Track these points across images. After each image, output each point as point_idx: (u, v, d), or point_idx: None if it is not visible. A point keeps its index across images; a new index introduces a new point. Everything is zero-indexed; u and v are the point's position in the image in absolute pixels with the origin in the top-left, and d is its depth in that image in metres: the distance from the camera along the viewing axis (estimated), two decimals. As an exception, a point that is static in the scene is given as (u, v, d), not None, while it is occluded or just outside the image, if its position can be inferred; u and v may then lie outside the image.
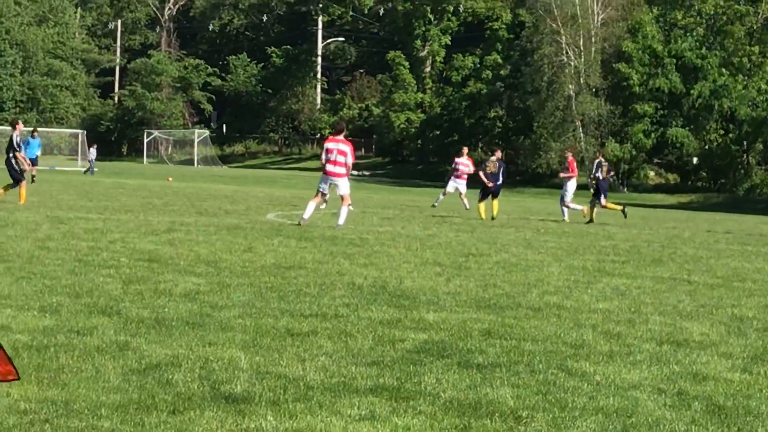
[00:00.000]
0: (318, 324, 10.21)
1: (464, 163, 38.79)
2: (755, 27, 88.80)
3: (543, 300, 12.85)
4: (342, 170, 25.13)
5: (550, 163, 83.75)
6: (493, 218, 32.42)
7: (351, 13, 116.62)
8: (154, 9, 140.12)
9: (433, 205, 39.65)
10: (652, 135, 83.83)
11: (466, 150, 40.51)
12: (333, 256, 17.13)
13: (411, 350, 9.15)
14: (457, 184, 38.64)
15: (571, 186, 34.99)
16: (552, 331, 10.46)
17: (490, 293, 13.27)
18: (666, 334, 10.61)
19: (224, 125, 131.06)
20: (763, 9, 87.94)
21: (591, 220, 34.11)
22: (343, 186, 25.27)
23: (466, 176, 38.42)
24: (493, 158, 34.10)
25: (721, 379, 8.58)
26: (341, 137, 25.49)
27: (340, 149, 25.09)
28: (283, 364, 8.32)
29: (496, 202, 33.22)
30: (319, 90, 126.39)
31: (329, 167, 25.12)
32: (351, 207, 26.28)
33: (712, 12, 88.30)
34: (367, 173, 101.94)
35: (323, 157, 25.43)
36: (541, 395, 7.65)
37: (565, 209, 34.92)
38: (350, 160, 25.25)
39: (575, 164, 36.30)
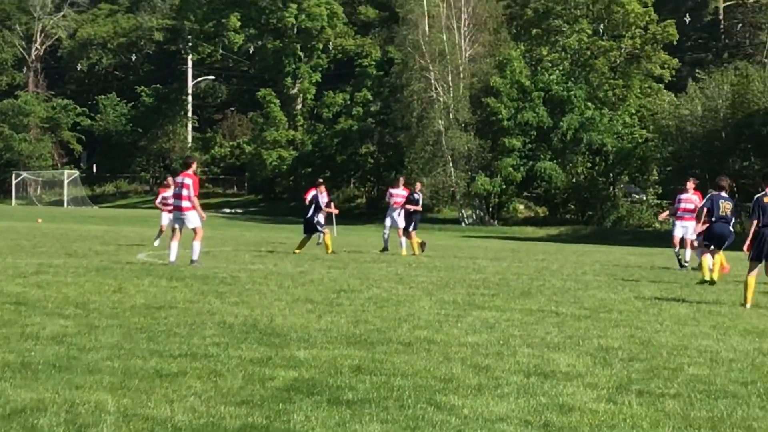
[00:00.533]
0: (187, 364, 10.15)
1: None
2: (618, 61, 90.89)
3: (413, 334, 12.93)
4: (186, 204, 24.93)
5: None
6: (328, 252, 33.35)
7: (221, 51, 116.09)
8: (21, 49, 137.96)
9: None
10: (521, 168, 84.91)
11: (320, 181, 40.79)
12: (204, 295, 17.04)
13: (281, 388, 9.15)
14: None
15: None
16: (422, 366, 10.54)
17: (361, 329, 13.32)
18: (533, 366, 10.75)
19: (94, 165, 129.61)
20: (626, 44, 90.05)
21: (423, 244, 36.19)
22: (191, 220, 25.02)
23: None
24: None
25: (587, 409, 8.72)
26: (190, 171, 25.42)
27: (185, 183, 25.00)
28: (151, 405, 8.26)
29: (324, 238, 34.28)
30: (190, 128, 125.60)
31: (175, 201, 25.14)
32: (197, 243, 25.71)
33: (576, 47, 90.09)
34: (239, 211, 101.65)
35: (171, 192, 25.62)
36: (409, 430, 7.71)
37: (404, 239, 35.51)
38: (192, 193, 24.98)
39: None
